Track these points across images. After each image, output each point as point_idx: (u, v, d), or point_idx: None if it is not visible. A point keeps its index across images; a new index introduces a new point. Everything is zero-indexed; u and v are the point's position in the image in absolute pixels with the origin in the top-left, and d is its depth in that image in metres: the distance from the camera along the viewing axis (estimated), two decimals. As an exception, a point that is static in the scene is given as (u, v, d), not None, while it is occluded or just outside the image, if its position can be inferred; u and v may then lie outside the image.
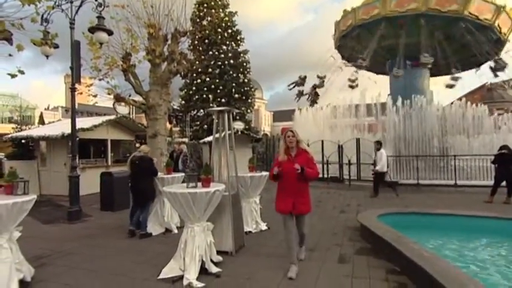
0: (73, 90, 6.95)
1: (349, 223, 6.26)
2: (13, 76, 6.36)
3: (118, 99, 8.25)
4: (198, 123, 20.50)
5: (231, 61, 20.77)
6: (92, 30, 7.00)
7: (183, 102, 21.18)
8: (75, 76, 6.82)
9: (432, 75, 17.81)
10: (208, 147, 14.16)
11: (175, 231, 5.73)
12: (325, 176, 12.96)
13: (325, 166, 13.22)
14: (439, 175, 11.79)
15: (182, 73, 9.39)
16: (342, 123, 17.55)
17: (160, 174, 5.85)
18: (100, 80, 8.05)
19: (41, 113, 32.46)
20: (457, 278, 2.81)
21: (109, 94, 8.18)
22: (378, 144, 9.79)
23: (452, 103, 14.38)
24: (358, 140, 12.98)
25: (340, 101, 18.80)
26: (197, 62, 19.13)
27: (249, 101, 22.02)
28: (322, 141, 14.07)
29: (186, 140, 16.72)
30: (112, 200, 7.65)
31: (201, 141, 15.08)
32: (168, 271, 3.78)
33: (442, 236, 5.15)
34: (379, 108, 16.12)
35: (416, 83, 16.32)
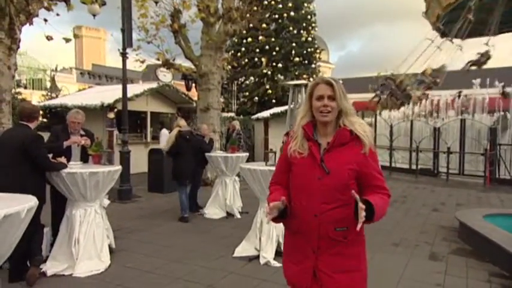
0: (124, 55, 8.33)
1: (443, 222, 6.91)
2: (67, 40, 7.95)
3: (168, 65, 9.61)
4: (247, 93, 21.57)
5: (291, 13, 21.19)
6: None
7: (229, 67, 22.33)
8: (126, 39, 8.16)
9: None
10: (262, 124, 15.29)
11: (238, 216, 6.94)
12: (414, 167, 13.39)
13: (413, 154, 13.60)
14: None
15: (239, 34, 10.48)
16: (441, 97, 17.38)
17: (218, 153, 7.04)
18: (148, 43, 9.43)
19: (53, 76, 35.18)
20: None
21: (158, 60, 9.56)
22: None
23: None
24: (463, 121, 13.07)
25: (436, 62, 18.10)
26: (248, 15, 19.91)
27: (312, 66, 22.43)
28: (412, 122, 14.36)
29: (232, 114, 17.99)
30: (161, 180, 9.12)
31: (253, 117, 16.24)
32: (242, 250, 4.93)
33: None
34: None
35: None
